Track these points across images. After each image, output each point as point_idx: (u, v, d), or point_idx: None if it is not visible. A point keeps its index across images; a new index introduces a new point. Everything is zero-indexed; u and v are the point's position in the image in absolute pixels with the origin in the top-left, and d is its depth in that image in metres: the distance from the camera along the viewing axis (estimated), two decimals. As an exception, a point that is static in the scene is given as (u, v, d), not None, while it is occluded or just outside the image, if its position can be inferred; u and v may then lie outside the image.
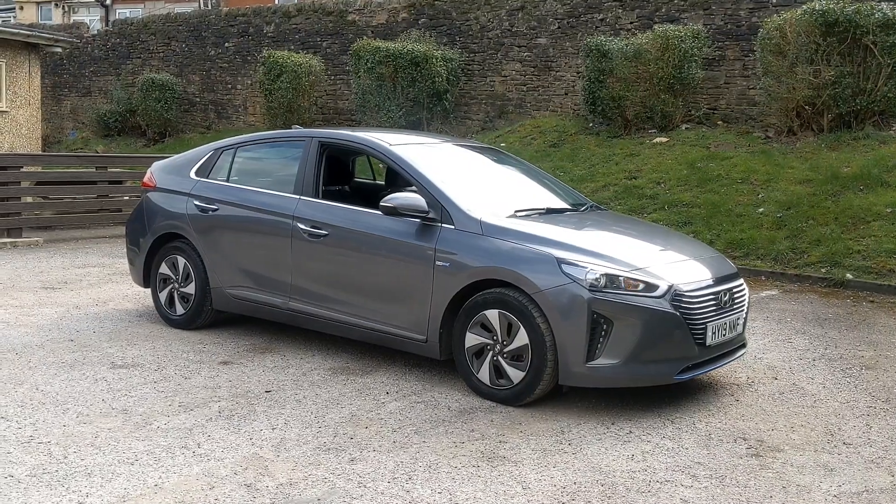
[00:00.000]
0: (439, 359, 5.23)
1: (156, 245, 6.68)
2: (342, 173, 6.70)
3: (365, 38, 16.86)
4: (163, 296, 6.64)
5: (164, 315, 6.64)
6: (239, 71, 19.84)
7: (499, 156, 6.63)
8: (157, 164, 7.07)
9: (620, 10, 15.23)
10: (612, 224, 5.95)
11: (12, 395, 4.87)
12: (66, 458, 3.98)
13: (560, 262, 4.73)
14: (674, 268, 4.94)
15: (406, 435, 4.38)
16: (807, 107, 12.26)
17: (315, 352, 5.94)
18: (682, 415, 4.81)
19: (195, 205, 6.41)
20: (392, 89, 15.87)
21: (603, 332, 4.62)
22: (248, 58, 19.55)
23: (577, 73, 15.48)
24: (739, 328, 5.24)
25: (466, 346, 5.02)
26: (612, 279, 4.66)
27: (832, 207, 10.33)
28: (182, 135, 19.99)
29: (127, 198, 13.10)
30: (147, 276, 6.78)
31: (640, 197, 11.76)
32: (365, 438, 4.32)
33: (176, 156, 7.21)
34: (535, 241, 4.92)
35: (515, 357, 4.83)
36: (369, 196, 6.33)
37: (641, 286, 4.68)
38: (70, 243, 11.20)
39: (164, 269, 6.61)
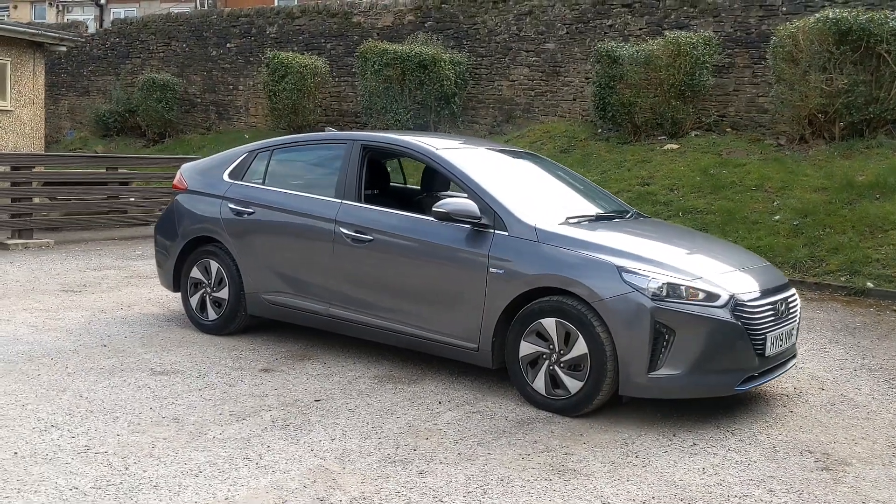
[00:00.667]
0: (491, 368, 5.15)
1: (187, 248, 6.57)
2: (380, 177, 6.61)
3: (371, 39, 16.75)
4: (194, 300, 6.52)
5: (196, 320, 6.52)
6: (241, 72, 19.69)
7: (537, 160, 6.56)
8: (186, 166, 6.96)
9: (629, 17, 15.20)
10: (663, 232, 5.89)
11: (58, 403, 4.75)
12: (127, 469, 3.87)
13: (620, 270, 4.67)
14: (731, 277, 4.88)
15: (470, 446, 4.30)
16: (819, 115, 12.26)
17: (355, 359, 5.85)
18: (740, 426, 4.75)
19: (230, 208, 6.30)
20: (399, 92, 15.77)
21: (665, 343, 4.55)
22: (251, 59, 19.40)
23: (586, 78, 15.44)
24: (793, 338, 5.20)
25: (521, 355, 4.94)
26: (673, 288, 4.60)
27: (848, 216, 10.32)
28: (182, 135, 19.81)
29: (133, 199, 12.99)
30: (177, 280, 6.66)
31: (654, 203, 11.71)
32: (428, 450, 4.23)
33: (207, 157, 7.10)
34: (593, 249, 4.85)
35: (573, 367, 4.75)
36: (407, 200, 6.26)
37: (703, 295, 4.62)
38: (80, 245, 11.04)
39: (195, 273, 6.50)
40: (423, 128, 15.81)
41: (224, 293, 6.32)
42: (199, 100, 20.32)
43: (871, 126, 12.23)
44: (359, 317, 5.63)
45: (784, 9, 13.96)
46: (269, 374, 5.45)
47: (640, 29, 15.09)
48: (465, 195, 5.35)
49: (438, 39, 16.68)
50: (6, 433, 4.25)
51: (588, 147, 14.14)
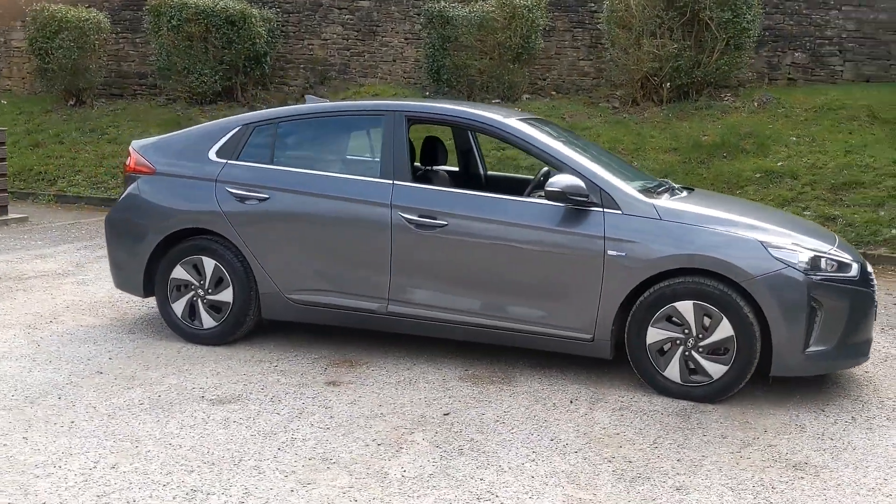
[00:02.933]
0: (608, 358, 4.77)
1: (163, 244, 5.42)
2: (413, 153, 5.80)
3: (159, -8, 14.98)
4: (179, 306, 5.42)
5: (183, 329, 5.43)
6: (-14, 25, 16.79)
7: (557, 128, 6.08)
8: (144, 144, 5.72)
9: (448, -24, 14.91)
10: (740, 203, 5.77)
11: (155, 458, 3.70)
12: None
13: (766, 245, 4.49)
14: (842, 247, 4.89)
15: (674, 451, 3.95)
16: (654, 78, 12.89)
17: (413, 360, 5.18)
18: (849, 391, 4.81)
19: (230, 193, 5.27)
20: (203, 51, 14.31)
21: (816, 318, 4.46)
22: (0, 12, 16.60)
23: (406, 39, 15.02)
24: None
25: (648, 342, 4.62)
26: (817, 261, 4.52)
27: (706, 174, 10.99)
28: (-87, 101, 16.56)
29: None
30: (148, 283, 5.50)
31: (516, 168, 11.66)
32: (643, 461, 3.83)
33: (170, 134, 5.86)
34: (726, 224, 4.64)
35: (714, 351, 4.52)
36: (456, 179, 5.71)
37: (837, 266, 4.60)
38: None
39: (179, 273, 5.39)
40: (230, 90, 14.60)
41: (226, 295, 5.31)
42: (-71, 58, 17.07)
43: (696, 88, 13.08)
44: (433, 314, 4.97)
45: (593, -26, 14.42)
46: (347, 388, 4.67)
47: (459, -11, 14.87)
48: (551, 170, 4.88)
49: (240, -7, 15.32)
50: (151, 510, 3.22)
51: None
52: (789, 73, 14.06)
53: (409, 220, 4.93)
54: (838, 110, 12.37)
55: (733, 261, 4.47)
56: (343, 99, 14.19)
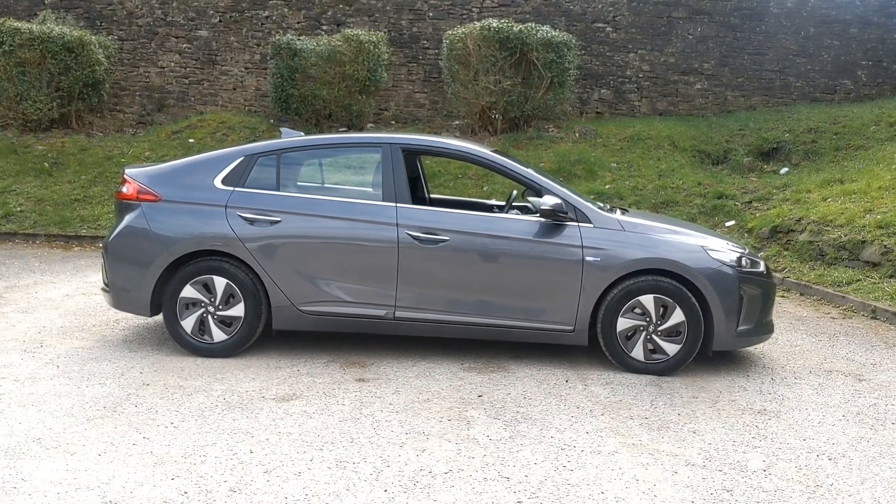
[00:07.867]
0: (585, 345, 5.84)
1: (171, 267, 5.84)
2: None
3: (-18, 14, 14.43)
4: (188, 323, 5.86)
5: (192, 344, 5.87)
6: None
7: (512, 157, 7.01)
8: (144, 173, 6.07)
9: (286, 10, 15.58)
10: (669, 218, 7.06)
11: (274, 442, 4.30)
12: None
13: (705, 248, 5.77)
14: (740, 247, 6.29)
15: (670, 408, 5.09)
16: (492, 112, 14.30)
17: (411, 358, 5.98)
18: (749, 362, 6.21)
19: (241, 217, 5.81)
20: (38, 77, 13.98)
21: (742, 304, 5.79)
22: None
23: (246, 68, 15.47)
24: None
25: (618, 330, 5.75)
26: (741, 260, 5.85)
27: (548, 196, 12.45)
28: None
29: None
30: (155, 303, 5.89)
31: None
32: (653, 416, 4.93)
33: (166, 164, 6.21)
34: (672, 234, 5.87)
35: (669, 334, 5.73)
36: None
37: (752, 263, 5.96)
38: None
39: (189, 292, 5.84)
40: (66, 117, 14.32)
41: (237, 311, 5.83)
42: None
43: (526, 120, 14.66)
44: (437, 316, 5.79)
45: (430, 14, 15.71)
46: (377, 383, 5.40)
47: (299, 23, 15.59)
48: (535, 194, 5.90)
49: (72, 19, 15.06)
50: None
51: (275, 138, 14.26)
52: (597, 108, 16.03)
53: (415, 237, 5.75)
54: (646, 140, 14.42)
55: (685, 262, 5.70)
56: (187, 126, 14.43)
